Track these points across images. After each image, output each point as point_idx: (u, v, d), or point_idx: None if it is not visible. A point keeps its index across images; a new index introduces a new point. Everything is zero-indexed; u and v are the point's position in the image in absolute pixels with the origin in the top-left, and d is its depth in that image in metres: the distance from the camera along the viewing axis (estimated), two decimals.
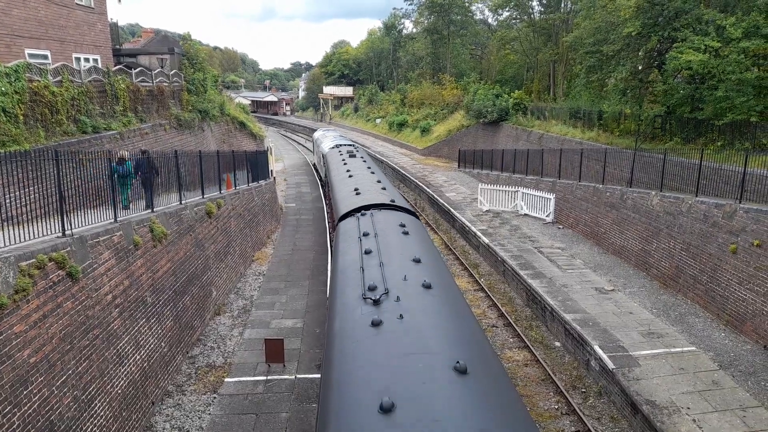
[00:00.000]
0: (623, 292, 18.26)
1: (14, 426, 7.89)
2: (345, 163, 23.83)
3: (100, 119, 18.41)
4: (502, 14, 56.50)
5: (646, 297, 17.95)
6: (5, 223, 9.58)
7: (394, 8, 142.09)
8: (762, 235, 14.99)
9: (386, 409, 5.00)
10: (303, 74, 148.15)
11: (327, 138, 40.45)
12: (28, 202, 10.19)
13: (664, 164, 20.39)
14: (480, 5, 67.41)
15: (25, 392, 8.23)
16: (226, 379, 13.52)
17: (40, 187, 10.30)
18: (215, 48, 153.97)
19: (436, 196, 34.41)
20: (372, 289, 7.92)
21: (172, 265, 14.66)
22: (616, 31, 28.97)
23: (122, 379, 11.04)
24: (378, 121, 75.68)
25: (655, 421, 11.31)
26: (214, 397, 12.79)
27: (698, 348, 14.43)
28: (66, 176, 10.66)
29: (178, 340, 14.27)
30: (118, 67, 22.27)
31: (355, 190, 16.40)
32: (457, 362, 5.69)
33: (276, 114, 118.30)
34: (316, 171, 45.35)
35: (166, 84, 25.07)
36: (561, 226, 26.97)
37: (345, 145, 33.56)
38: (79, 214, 11.24)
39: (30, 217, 10.16)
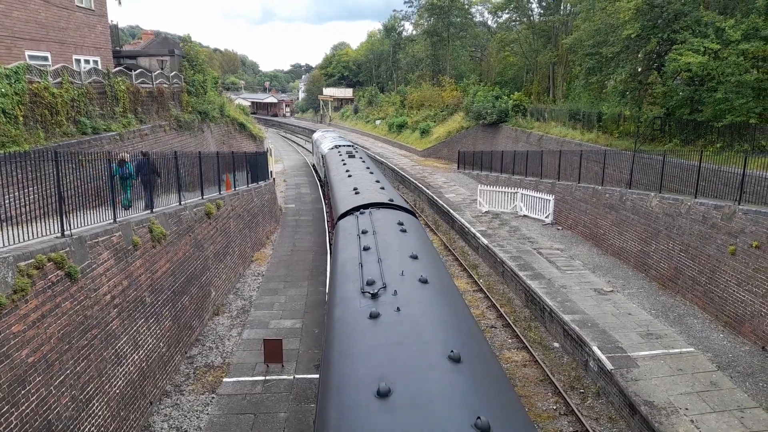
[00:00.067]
0: (622, 293, 18.27)
1: (12, 426, 7.91)
2: (344, 164, 23.99)
3: (99, 120, 18.45)
4: (501, 16, 56.58)
5: (645, 298, 17.97)
6: (4, 224, 9.61)
7: (394, 10, 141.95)
8: (761, 237, 15.01)
9: (383, 394, 5.19)
10: (303, 76, 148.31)
11: (326, 139, 40.59)
12: (27, 202, 10.21)
13: (663, 166, 20.41)
14: (480, 7, 67.59)
15: (23, 392, 8.25)
16: (225, 379, 13.53)
17: (39, 188, 10.32)
18: (215, 50, 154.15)
19: (435, 197, 34.43)
20: (370, 283, 8.11)
21: (171, 266, 14.69)
22: (616, 33, 29.00)
23: (120, 379, 11.06)
24: (378, 122, 75.77)
25: (653, 422, 11.32)
26: (213, 397, 12.80)
27: (697, 349, 14.44)
28: (65, 177, 10.69)
29: (177, 340, 14.28)
30: (118, 68, 22.31)
31: (354, 189, 16.54)
32: (451, 351, 5.88)
33: (276, 115, 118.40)
34: (316, 172, 45.43)
35: (166, 85, 25.12)
36: (560, 228, 26.99)
37: (344, 145, 33.70)
38: (78, 214, 11.27)
39: (29, 218, 10.19)
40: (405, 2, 79.49)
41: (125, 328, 11.68)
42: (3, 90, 13.85)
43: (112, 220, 12.28)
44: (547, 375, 14.50)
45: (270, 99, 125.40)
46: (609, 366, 13.40)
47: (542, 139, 38.29)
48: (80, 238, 10.52)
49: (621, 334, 15.10)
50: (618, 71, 29.25)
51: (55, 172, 10.20)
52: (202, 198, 18.41)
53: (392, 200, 14.89)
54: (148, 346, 12.57)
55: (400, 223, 11.84)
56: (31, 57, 19.52)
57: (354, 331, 6.95)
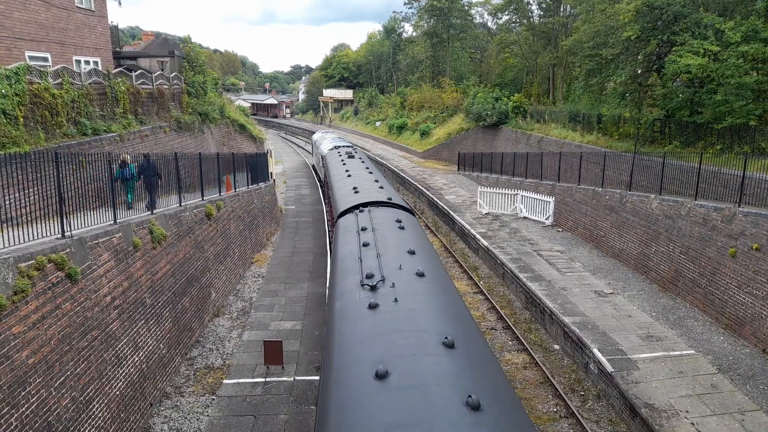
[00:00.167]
0: (622, 296, 18.27)
1: (12, 427, 7.89)
2: (344, 164, 24.23)
3: (100, 121, 18.44)
4: (501, 18, 56.67)
5: (645, 300, 17.96)
6: (5, 225, 9.60)
7: (394, 12, 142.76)
8: (761, 239, 15.01)
9: (381, 376, 5.53)
10: (303, 77, 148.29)
11: (326, 140, 40.77)
12: (27, 203, 10.21)
13: (663, 168, 20.42)
14: (479, 9, 67.70)
15: (23, 393, 8.23)
16: (225, 381, 13.52)
17: (39, 189, 10.31)
18: (215, 51, 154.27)
19: (435, 199, 34.43)
20: (369, 276, 8.40)
21: (172, 267, 14.67)
22: (616, 35, 29.01)
23: (120, 380, 11.04)
24: (378, 123, 75.79)
25: (654, 425, 11.31)
26: (213, 399, 12.78)
27: (697, 351, 14.43)
28: (66, 178, 10.69)
29: (177, 341, 14.27)
30: (118, 69, 22.31)
31: (354, 188, 16.79)
32: (446, 338, 6.21)
33: (276, 117, 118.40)
34: (315, 172, 45.47)
35: (166, 86, 25.12)
36: (560, 229, 26.98)
37: (343, 146, 33.83)
38: (78, 215, 11.26)
39: (30, 219, 10.18)
40: (405, 3, 79.64)
41: (125, 329, 11.67)
42: (3, 91, 13.84)
43: (112, 222, 12.27)
44: (548, 377, 14.48)
45: (270, 100, 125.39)
46: (609, 368, 13.39)
47: (542, 140, 38.30)
48: (81, 239, 10.51)
49: (621, 336, 15.09)
50: (618, 73, 29.25)
51: (55, 173, 10.19)
52: (203, 199, 18.40)
53: (391, 199, 15.15)
54: (149, 347, 12.55)
55: (398, 221, 12.12)
56: (32, 58, 19.52)
57: (354, 321, 7.26)
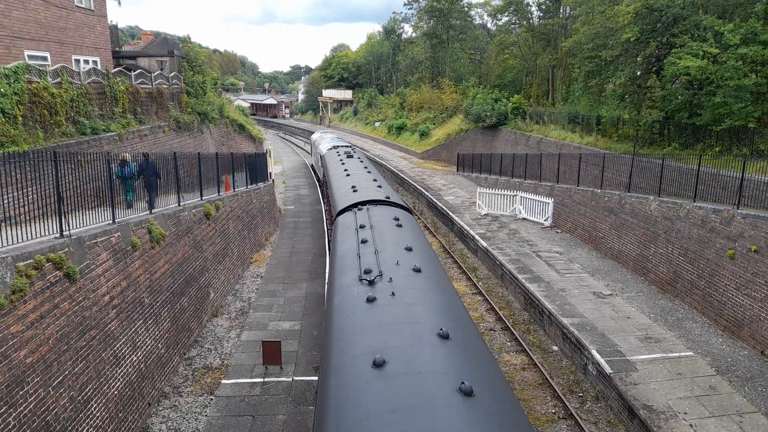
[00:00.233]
0: (621, 297, 18.27)
1: (10, 426, 7.87)
2: (343, 163, 24.40)
3: (99, 121, 18.41)
4: (501, 19, 56.71)
5: (644, 302, 17.97)
6: (3, 224, 9.57)
7: (394, 12, 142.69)
8: (759, 241, 15.03)
9: (378, 365, 5.76)
10: (302, 77, 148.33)
11: (325, 140, 40.95)
12: (26, 202, 10.19)
13: (662, 169, 20.44)
14: (479, 10, 67.77)
15: (21, 392, 8.21)
16: (223, 381, 13.50)
17: (38, 188, 10.29)
18: (215, 51, 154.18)
19: (434, 200, 34.43)
20: (368, 272, 8.61)
21: (170, 267, 14.65)
22: (615, 36, 29.05)
23: (119, 380, 11.02)
24: (377, 124, 75.79)
25: (652, 426, 11.31)
26: (211, 399, 12.76)
27: (696, 353, 14.44)
28: (64, 177, 10.67)
29: (176, 341, 14.25)
30: (117, 69, 22.28)
31: (353, 187, 16.96)
32: (441, 329, 6.43)
33: (275, 117, 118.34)
34: (314, 172, 45.49)
35: (166, 86, 25.09)
36: (559, 231, 27.00)
37: (342, 146, 33.97)
38: (77, 215, 11.24)
39: (28, 218, 10.16)
40: (405, 4, 79.38)
41: (124, 329, 11.65)
42: (2, 90, 13.81)
43: (111, 221, 12.25)
44: (546, 378, 14.48)
45: (269, 100, 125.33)
46: (608, 370, 13.39)
47: (541, 142, 38.32)
48: (79, 238, 10.50)
49: (620, 337, 15.09)
50: (617, 75, 29.29)
51: (54, 173, 10.17)
52: (201, 199, 18.38)
53: (389, 197, 15.32)
54: (147, 347, 12.53)
55: (396, 219, 12.29)
56: (31, 57, 19.49)
57: (352, 313, 7.45)
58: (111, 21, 27.80)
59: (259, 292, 19.61)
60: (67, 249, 9.98)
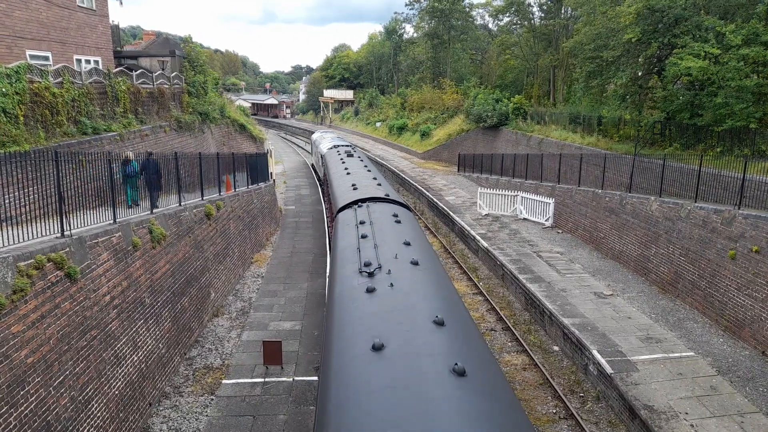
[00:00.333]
0: (622, 297, 18.26)
1: (11, 426, 7.88)
2: (343, 162, 24.55)
3: (100, 121, 18.43)
4: (502, 20, 56.72)
5: (645, 302, 17.95)
6: (4, 224, 9.59)
7: (395, 12, 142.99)
8: (761, 241, 15.01)
9: (377, 348, 6.07)
10: (304, 77, 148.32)
11: (325, 139, 41.19)
12: (27, 202, 10.19)
13: (663, 170, 20.42)
14: (480, 11, 67.80)
15: (22, 392, 8.22)
16: (224, 381, 13.50)
17: (39, 188, 10.30)
18: (216, 51, 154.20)
19: (435, 200, 34.43)
20: (367, 264, 8.91)
21: (171, 267, 14.66)
22: (616, 37, 29.02)
23: (120, 380, 11.03)
24: (378, 124, 75.80)
25: (653, 426, 11.30)
26: (212, 399, 12.77)
27: (697, 353, 14.42)
28: (65, 177, 10.68)
29: (176, 341, 14.26)
30: (119, 69, 22.30)
31: (353, 185, 17.14)
32: (436, 316, 6.75)
33: (276, 117, 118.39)
34: (315, 172, 45.54)
35: (167, 86, 25.12)
36: (560, 231, 26.98)
37: (343, 145, 34.13)
38: (78, 214, 11.25)
39: (29, 218, 10.17)
40: (406, 5, 79.48)
41: (125, 329, 11.65)
42: (4, 89, 13.83)
43: (111, 221, 12.25)
44: (547, 378, 14.47)
45: (270, 100, 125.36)
46: (609, 370, 13.38)
47: (542, 142, 38.31)
48: (80, 238, 10.50)
49: (621, 338, 15.08)
50: (618, 75, 29.26)
51: (55, 172, 10.17)
52: (202, 199, 18.39)
53: (388, 195, 15.53)
54: (148, 347, 12.54)
55: (395, 215, 12.52)
56: (32, 56, 19.52)
57: (352, 303, 7.79)
58: (112, 21, 27.86)
59: (260, 292, 19.62)
60: (68, 249, 9.99)
